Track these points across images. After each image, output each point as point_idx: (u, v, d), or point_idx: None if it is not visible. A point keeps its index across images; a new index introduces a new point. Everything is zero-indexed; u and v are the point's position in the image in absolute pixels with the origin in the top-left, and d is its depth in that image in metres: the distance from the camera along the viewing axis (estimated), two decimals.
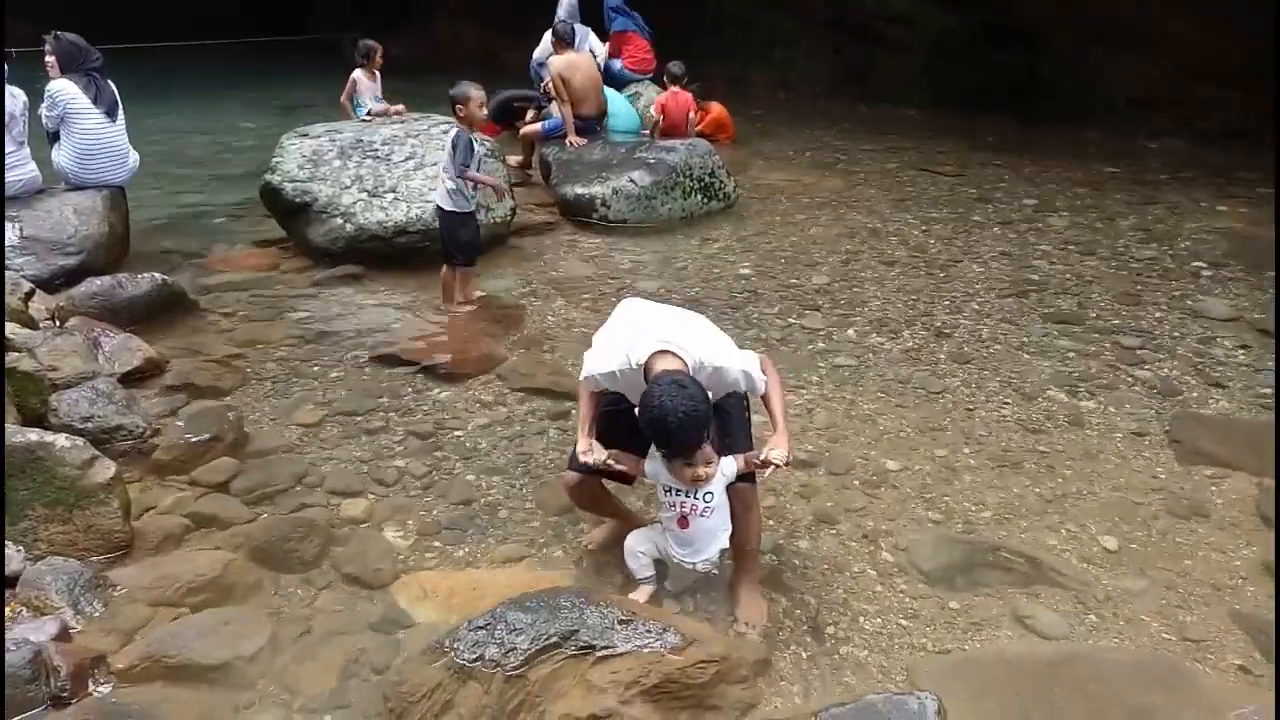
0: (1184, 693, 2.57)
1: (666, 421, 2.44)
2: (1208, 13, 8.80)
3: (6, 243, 5.16)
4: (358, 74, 7.65)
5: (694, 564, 2.81)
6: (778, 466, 2.72)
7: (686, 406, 2.43)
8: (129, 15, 15.12)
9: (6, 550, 2.78)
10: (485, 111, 5.23)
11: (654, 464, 2.77)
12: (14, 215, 5.32)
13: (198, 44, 15.62)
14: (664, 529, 2.84)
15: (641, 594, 2.85)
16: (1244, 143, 8.65)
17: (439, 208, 5.21)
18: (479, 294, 5.45)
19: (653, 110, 8.21)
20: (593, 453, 2.76)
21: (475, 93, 4.99)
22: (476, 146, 5.11)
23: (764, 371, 2.80)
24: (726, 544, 2.81)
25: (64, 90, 5.52)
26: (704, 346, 2.68)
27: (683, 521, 2.73)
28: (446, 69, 12.62)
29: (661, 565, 2.93)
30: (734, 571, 2.96)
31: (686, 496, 2.73)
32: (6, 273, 4.71)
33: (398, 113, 7.30)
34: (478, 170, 5.15)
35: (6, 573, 2.73)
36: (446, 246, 5.27)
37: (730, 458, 2.75)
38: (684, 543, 2.79)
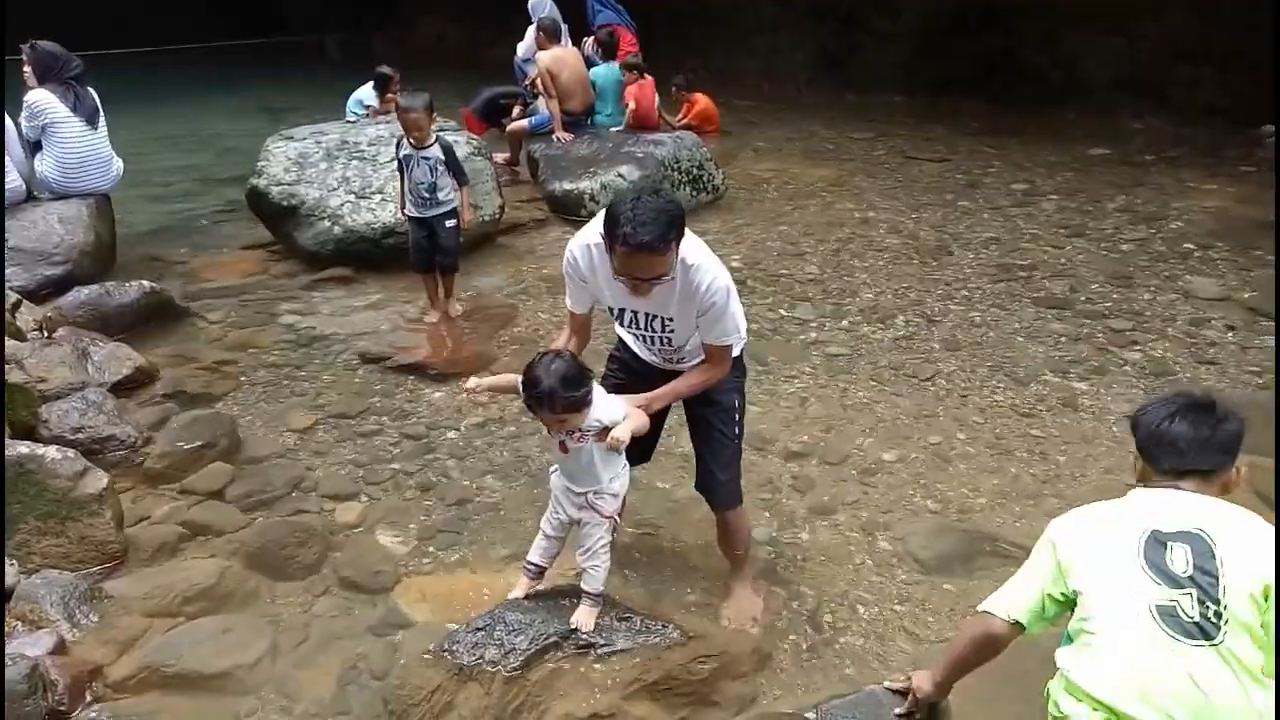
0: None
1: (626, 203, 2.29)
2: None
3: None
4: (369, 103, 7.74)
5: (576, 491, 2.54)
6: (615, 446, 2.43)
7: (653, 201, 2.29)
8: (106, 23, 15.03)
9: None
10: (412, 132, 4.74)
11: None
12: None
13: (176, 49, 15.52)
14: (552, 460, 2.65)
15: (519, 588, 2.66)
16: (1224, 120, 8.68)
17: None
18: (458, 304, 5.20)
19: (627, 102, 8.09)
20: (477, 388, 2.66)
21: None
22: (401, 153, 4.82)
23: (723, 359, 2.60)
24: (607, 482, 2.52)
25: (41, 99, 5.47)
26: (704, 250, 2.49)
27: (562, 446, 2.49)
28: (429, 66, 12.61)
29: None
30: (729, 579, 2.97)
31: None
32: None
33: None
34: (407, 180, 4.86)
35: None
36: None
37: (612, 403, 2.49)
38: (564, 467, 2.55)
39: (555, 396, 2.31)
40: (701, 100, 9.40)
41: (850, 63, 11.72)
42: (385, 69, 7.78)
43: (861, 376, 4.43)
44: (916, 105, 10.74)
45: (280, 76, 14.19)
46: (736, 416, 2.77)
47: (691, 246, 2.45)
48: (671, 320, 2.55)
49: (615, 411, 2.46)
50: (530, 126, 8.04)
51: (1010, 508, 3.40)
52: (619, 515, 2.60)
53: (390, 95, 7.61)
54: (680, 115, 9.33)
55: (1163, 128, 9.17)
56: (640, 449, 2.80)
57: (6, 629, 2.55)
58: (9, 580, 2.75)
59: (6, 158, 5.44)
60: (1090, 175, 7.75)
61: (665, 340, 2.62)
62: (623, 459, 2.56)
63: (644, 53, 8.95)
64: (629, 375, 2.81)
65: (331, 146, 6.22)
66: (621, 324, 2.68)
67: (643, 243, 2.24)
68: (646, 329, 2.62)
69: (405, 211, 5.02)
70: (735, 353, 2.68)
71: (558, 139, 7.60)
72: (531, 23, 8.63)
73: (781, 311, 5.20)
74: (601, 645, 2.43)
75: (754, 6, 12.53)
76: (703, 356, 2.64)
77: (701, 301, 2.46)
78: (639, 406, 2.54)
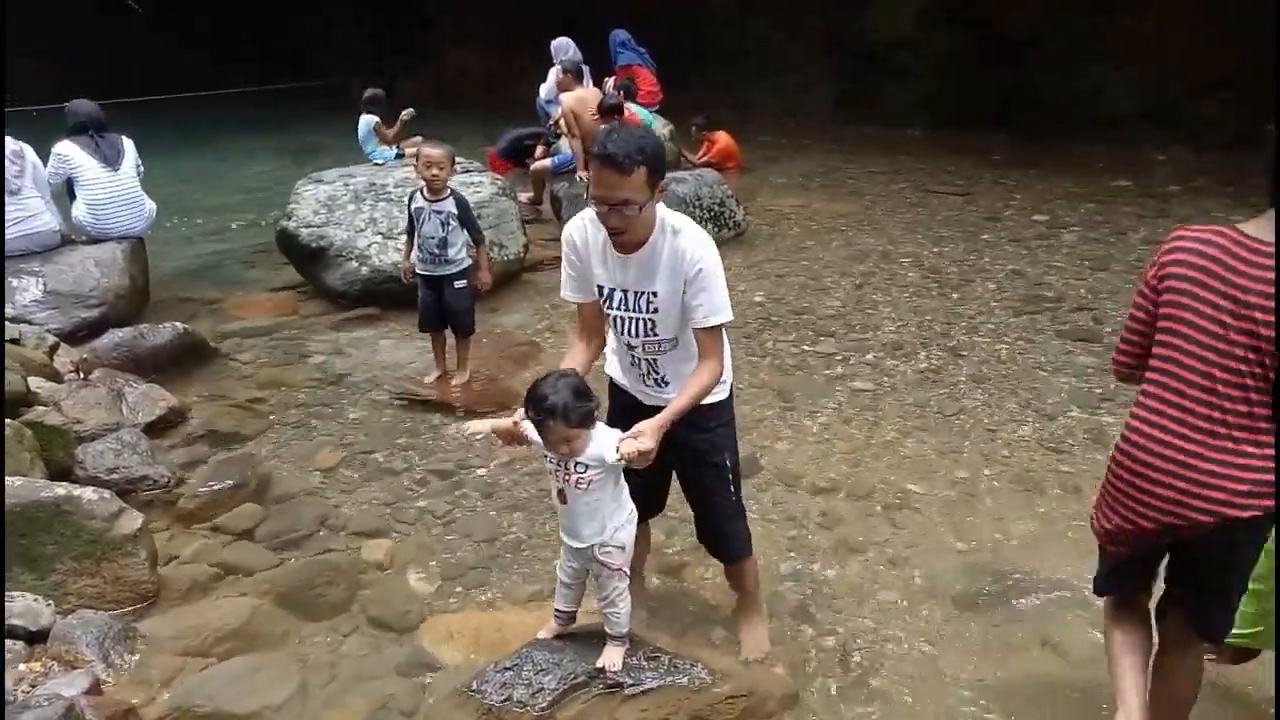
0: (1225, 714, 2.53)
1: (606, 144, 2.30)
2: (1202, 23, 8.86)
3: (30, 298, 5.25)
4: (375, 123, 7.73)
5: (578, 548, 2.46)
6: (623, 458, 2.30)
7: (633, 130, 2.32)
8: (139, 69, 15.48)
9: (37, 605, 2.81)
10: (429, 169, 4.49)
11: (533, 431, 2.40)
12: (37, 270, 5.41)
13: (210, 94, 15.91)
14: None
15: (548, 630, 2.64)
16: (1247, 151, 8.63)
17: None
18: (467, 373, 4.85)
19: None
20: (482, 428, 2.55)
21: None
22: (413, 206, 4.62)
23: (715, 350, 2.50)
24: (611, 534, 2.43)
25: (62, 150, 5.74)
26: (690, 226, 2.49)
27: (561, 496, 2.42)
28: (452, 107, 12.85)
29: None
30: (736, 608, 2.95)
31: (560, 467, 2.37)
32: (31, 327, 4.79)
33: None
34: (417, 235, 4.65)
35: (36, 628, 2.76)
36: None
37: (613, 435, 2.37)
38: (566, 518, 2.46)
39: (568, 408, 2.26)
40: (722, 138, 9.51)
41: (871, 99, 11.82)
42: (371, 90, 7.78)
43: (887, 411, 4.41)
44: (937, 140, 10.79)
45: (307, 120, 14.48)
46: (730, 477, 2.72)
47: (677, 217, 2.49)
48: (656, 295, 2.47)
49: (607, 446, 2.34)
50: (553, 166, 8.17)
51: (1041, 544, 3.36)
52: (627, 568, 2.53)
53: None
54: (701, 154, 9.44)
55: (1185, 157, 9.14)
56: (656, 501, 2.86)
57: (44, 669, 2.58)
58: (45, 621, 2.80)
59: (40, 200, 5.61)
60: (1113, 206, 7.74)
61: (649, 324, 2.52)
62: (628, 508, 2.48)
63: (665, 91, 9.09)
64: (618, 411, 2.76)
65: (359, 189, 6.35)
66: (610, 306, 2.58)
67: (609, 154, 2.27)
68: (634, 308, 2.52)
69: (409, 266, 4.76)
70: (727, 382, 2.62)
71: (581, 178, 7.70)
72: (554, 64, 8.80)
73: (805, 347, 5.21)
74: (630, 685, 2.42)
75: (775, 44, 12.69)
76: (684, 367, 2.55)
77: (689, 268, 2.41)
78: (655, 429, 2.35)
